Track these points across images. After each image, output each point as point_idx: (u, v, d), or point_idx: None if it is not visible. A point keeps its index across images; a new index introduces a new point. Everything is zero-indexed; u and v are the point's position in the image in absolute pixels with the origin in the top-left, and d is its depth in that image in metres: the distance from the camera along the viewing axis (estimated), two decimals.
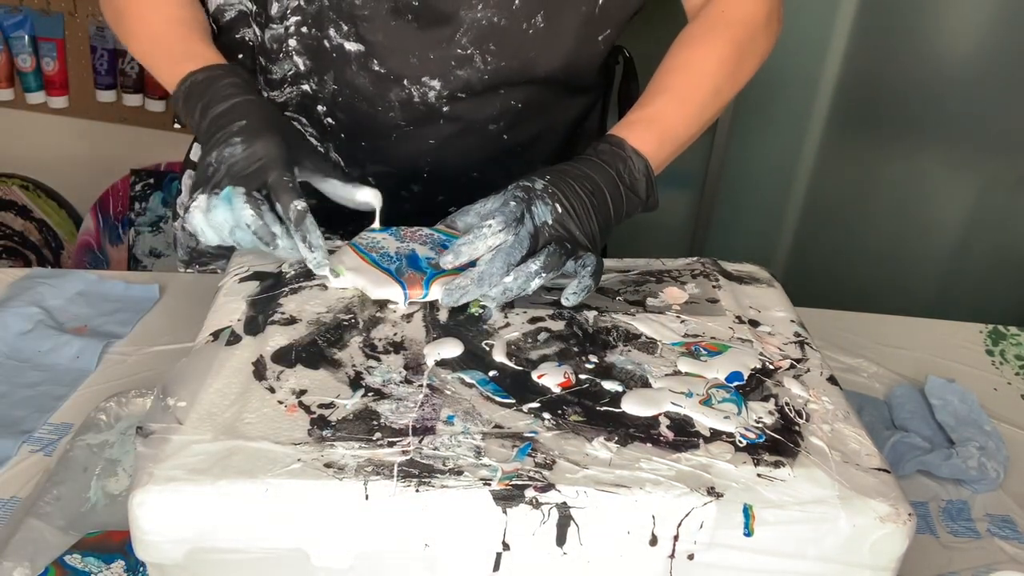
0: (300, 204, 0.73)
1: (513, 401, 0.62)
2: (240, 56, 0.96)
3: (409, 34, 0.87)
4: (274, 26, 0.90)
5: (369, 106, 0.92)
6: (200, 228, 0.75)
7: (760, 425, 0.61)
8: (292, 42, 0.91)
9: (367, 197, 0.81)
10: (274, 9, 0.89)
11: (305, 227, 0.73)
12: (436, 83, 0.90)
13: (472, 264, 0.73)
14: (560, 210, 0.74)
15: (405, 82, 0.90)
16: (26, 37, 2.17)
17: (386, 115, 0.92)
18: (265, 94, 0.96)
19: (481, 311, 0.73)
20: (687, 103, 0.85)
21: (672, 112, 0.84)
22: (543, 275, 0.71)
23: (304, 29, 0.89)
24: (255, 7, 0.92)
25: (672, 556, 0.56)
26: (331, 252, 0.77)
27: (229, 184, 0.74)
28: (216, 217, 0.74)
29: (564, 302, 0.73)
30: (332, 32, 0.88)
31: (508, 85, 0.92)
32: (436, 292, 0.72)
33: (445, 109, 0.92)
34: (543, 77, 0.92)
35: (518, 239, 0.72)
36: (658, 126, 0.82)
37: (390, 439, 0.58)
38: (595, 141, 0.81)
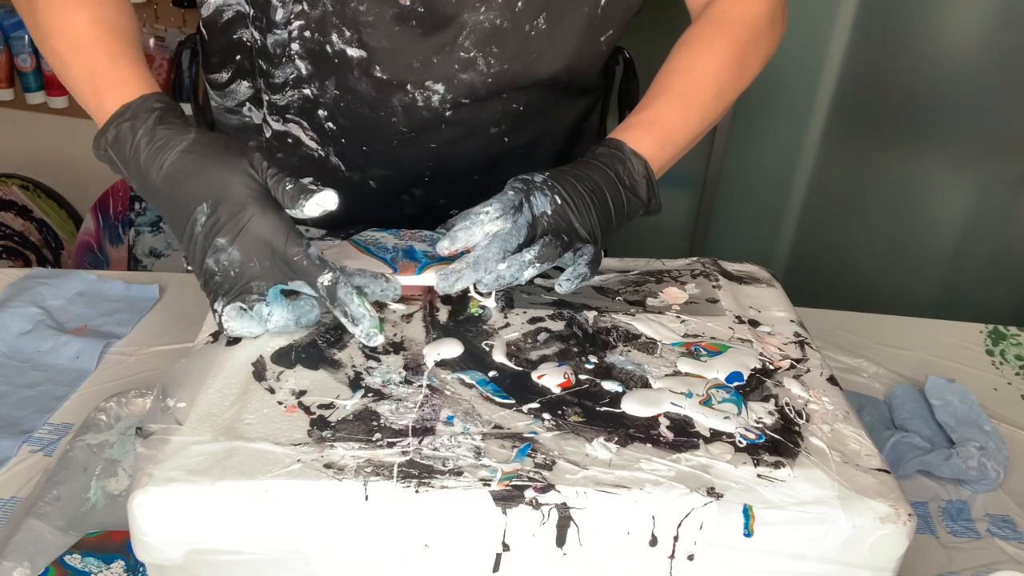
0: (326, 278, 0.66)
1: (513, 401, 0.62)
2: (238, 57, 0.96)
3: (412, 39, 0.87)
4: (278, 31, 0.90)
5: (371, 111, 0.92)
6: (253, 333, 0.68)
7: (760, 425, 0.61)
8: (295, 46, 0.90)
9: (322, 206, 0.68)
10: (278, 15, 0.89)
11: (340, 301, 0.66)
12: (440, 87, 0.90)
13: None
14: (560, 201, 0.73)
15: (408, 87, 0.90)
16: (26, 37, 2.17)
17: (388, 120, 0.92)
18: (266, 97, 0.96)
19: (481, 311, 0.73)
20: (688, 105, 0.84)
21: (673, 114, 0.83)
22: (537, 265, 0.71)
23: (307, 34, 0.89)
24: (253, 11, 0.91)
25: (672, 557, 0.56)
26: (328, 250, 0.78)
27: (255, 290, 0.67)
28: (278, 321, 0.68)
29: (557, 288, 0.73)
30: (335, 38, 0.88)
31: (511, 87, 0.92)
32: (430, 277, 0.72)
33: (448, 114, 0.92)
34: (546, 79, 0.92)
35: (515, 226, 0.71)
36: (658, 128, 0.82)
37: (390, 440, 0.58)
38: (594, 145, 0.81)
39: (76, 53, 0.76)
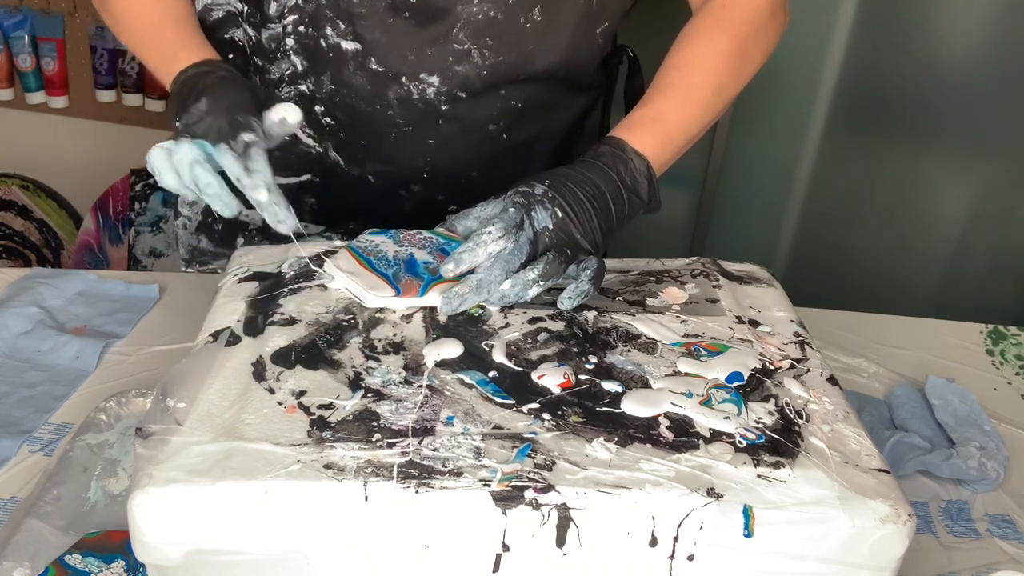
0: (247, 136, 0.74)
1: (513, 402, 0.62)
2: (231, 56, 0.96)
3: (406, 31, 0.87)
4: (272, 26, 0.90)
5: (367, 105, 0.92)
6: (159, 167, 0.75)
7: (760, 425, 0.61)
8: (290, 41, 0.91)
9: (282, 112, 0.79)
10: (272, 9, 0.89)
11: (249, 156, 0.74)
12: (434, 79, 0.90)
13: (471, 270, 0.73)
14: (560, 215, 0.73)
15: (403, 80, 0.90)
16: (26, 37, 2.17)
17: (384, 114, 0.92)
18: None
19: (481, 311, 0.73)
20: (689, 102, 0.84)
21: (674, 112, 0.83)
22: (540, 283, 0.72)
23: (301, 28, 0.89)
24: (247, 8, 0.91)
25: (672, 557, 0.56)
26: (329, 253, 0.77)
27: (197, 135, 0.76)
28: (180, 150, 0.74)
29: (560, 305, 0.73)
30: (329, 31, 0.88)
31: (507, 82, 0.92)
32: (433, 297, 0.72)
33: (444, 108, 0.92)
34: (542, 72, 0.92)
35: (517, 246, 0.71)
36: (660, 126, 0.81)
37: (390, 440, 0.58)
38: (596, 143, 0.81)
39: (150, 33, 0.90)
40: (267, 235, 1.06)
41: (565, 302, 0.73)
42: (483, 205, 0.78)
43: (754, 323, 0.74)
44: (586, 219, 0.74)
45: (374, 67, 0.89)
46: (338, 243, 0.80)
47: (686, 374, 0.66)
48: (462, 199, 0.82)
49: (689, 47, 0.87)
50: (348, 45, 0.89)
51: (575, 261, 0.73)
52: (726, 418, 0.61)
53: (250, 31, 0.93)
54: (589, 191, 0.75)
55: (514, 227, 0.72)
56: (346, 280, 0.74)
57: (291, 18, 0.89)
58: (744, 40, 0.87)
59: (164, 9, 0.89)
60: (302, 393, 0.62)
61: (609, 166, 0.78)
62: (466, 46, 0.88)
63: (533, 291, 0.72)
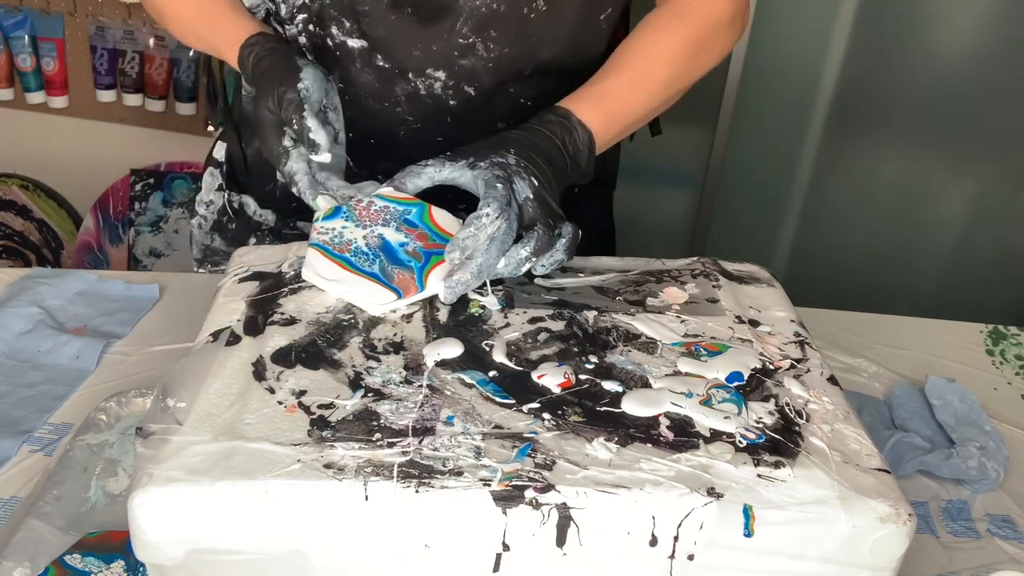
0: (295, 190, 0.80)
1: (513, 401, 0.62)
2: None
3: (410, 27, 0.88)
4: (287, 26, 0.91)
5: (375, 102, 0.93)
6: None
7: (760, 425, 0.61)
8: (302, 40, 0.92)
9: (316, 158, 0.82)
10: (283, 10, 0.90)
11: (300, 193, 0.81)
12: (441, 74, 0.91)
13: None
14: (536, 183, 0.75)
15: (410, 75, 0.91)
16: (26, 37, 2.17)
17: (393, 111, 0.93)
18: None
19: (481, 311, 0.73)
20: (640, 86, 0.86)
21: (623, 92, 0.85)
22: (532, 259, 0.73)
23: (311, 28, 0.90)
24: (273, 6, 0.93)
25: (672, 557, 0.56)
26: (301, 259, 0.76)
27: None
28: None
29: (534, 271, 0.74)
30: (334, 30, 0.89)
31: (515, 75, 0.92)
32: (432, 285, 0.72)
33: (452, 103, 0.92)
34: (548, 62, 0.93)
35: (509, 224, 0.72)
36: (607, 104, 0.83)
37: (390, 440, 0.58)
38: (542, 111, 0.82)
39: (197, 24, 0.95)
40: (279, 236, 1.06)
41: (539, 269, 0.74)
42: (437, 165, 0.77)
43: (754, 323, 0.74)
44: (550, 185, 0.76)
45: (381, 64, 0.90)
46: (300, 245, 0.79)
47: (686, 374, 0.66)
48: (472, 197, 0.82)
49: (648, 34, 0.89)
50: (354, 43, 0.89)
51: (556, 229, 0.74)
52: (726, 418, 0.61)
53: (278, 28, 0.94)
54: (544, 157, 0.77)
55: (506, 204, 0.73)
56: (340, 290, 0.73)
57: (300, 17, 0.90)
58: (703, 39, 0.89)
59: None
60: (302, 393, 0.62)
61: (555, 134, 0.80)
62: (471, 40, 0.89)
63: (525, 268, 0.73)
